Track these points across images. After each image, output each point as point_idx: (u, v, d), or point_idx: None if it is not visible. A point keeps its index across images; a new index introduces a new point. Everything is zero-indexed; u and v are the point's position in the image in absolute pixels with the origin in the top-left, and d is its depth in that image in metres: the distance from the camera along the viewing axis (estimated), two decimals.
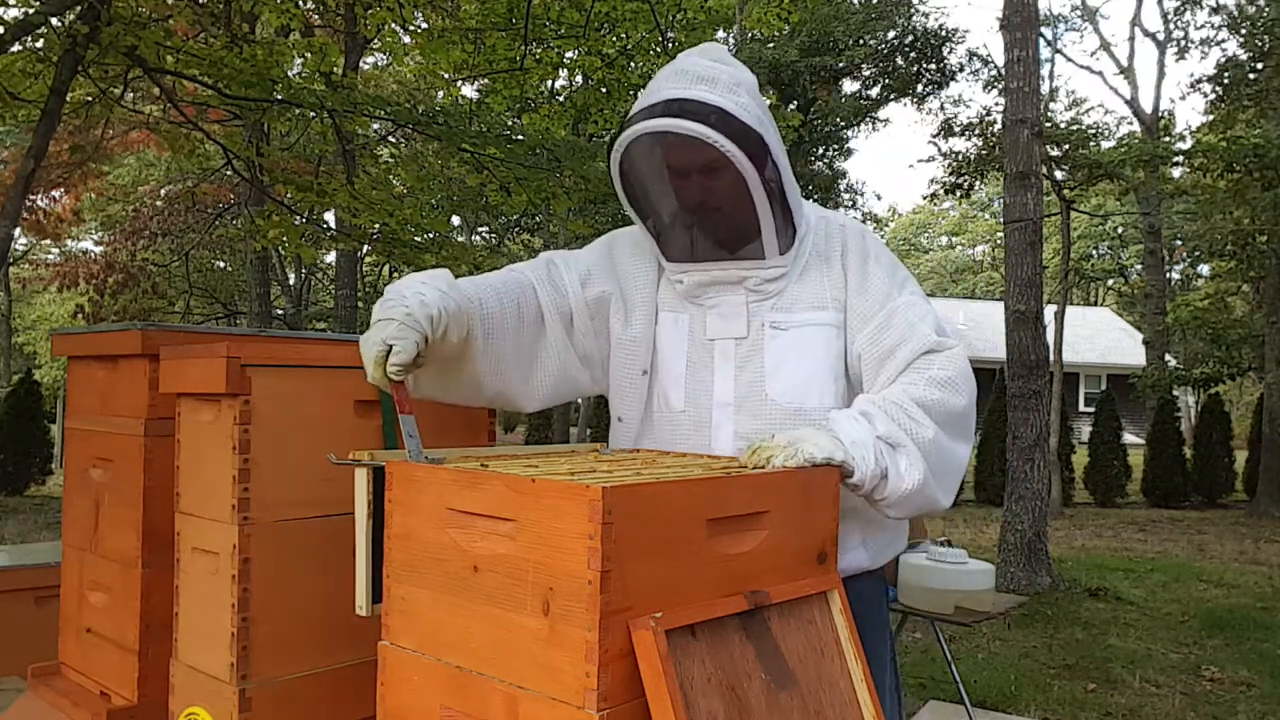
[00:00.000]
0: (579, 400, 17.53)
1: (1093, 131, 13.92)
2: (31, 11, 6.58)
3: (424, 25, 8.81)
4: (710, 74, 1.63)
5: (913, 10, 18.56)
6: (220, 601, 1.70)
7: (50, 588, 2.74)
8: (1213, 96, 14.91)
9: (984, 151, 14.33)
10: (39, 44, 6.94)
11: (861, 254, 1.73)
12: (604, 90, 9.36)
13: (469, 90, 12.50)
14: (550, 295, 1.75)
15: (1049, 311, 9.79)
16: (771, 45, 16.83)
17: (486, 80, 9.34)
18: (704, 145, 1.57)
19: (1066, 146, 12.58)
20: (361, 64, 14.36)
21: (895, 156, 42.75)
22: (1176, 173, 15.74)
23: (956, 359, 1.65)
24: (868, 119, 19.69)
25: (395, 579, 1.35)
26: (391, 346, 1.42)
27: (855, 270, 1.72)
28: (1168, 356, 18.07)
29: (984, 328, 26.69)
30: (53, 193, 17.19)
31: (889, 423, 1.53)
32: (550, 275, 1.78)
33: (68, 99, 6.60)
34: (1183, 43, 21.20)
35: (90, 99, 7.97)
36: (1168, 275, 27.02)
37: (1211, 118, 15.24)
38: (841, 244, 1.74)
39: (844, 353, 1.71)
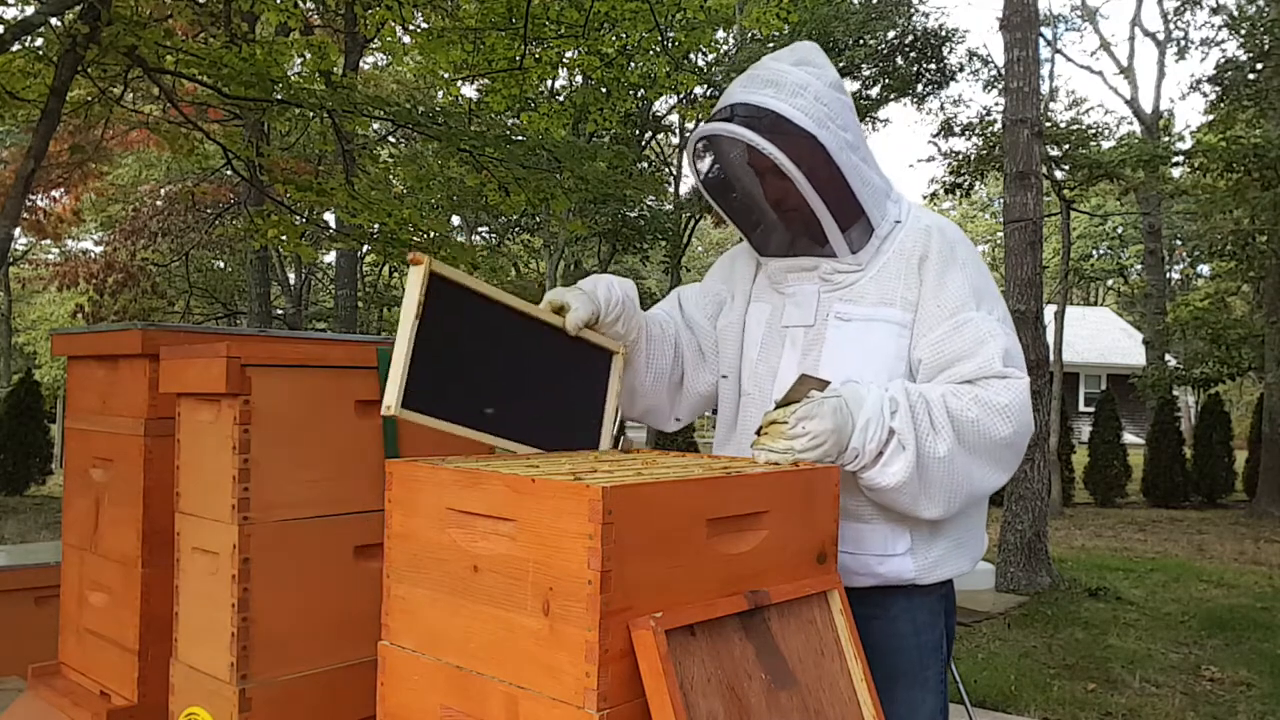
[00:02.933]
0: None
1: (1093, 131, 13.92)
2: (31, 11, 6.57)
3: (423, 25, 8.81)
4: (777, 78, 1.66)
5: (913, 10, 18.54)
6: (220, 601, 1.70)
7: (50, 588, 2.74)
8: (1212, 96, 14.90)
9: (984, 151, 14.31)
10: (39, 44, 6.94)
11: (944, 259, 1.69)
12: (604, 90, 9.35)
13: (468, 90, 12.50)
14: (686, 334, 1.91)
15: (1049, 311, 9.80)
16: (771, 45, 16.82)
17: (486, 80, 9.33)
18: (752, 149, 1.63)
19: (1066, 146, 12.58)
20: (361, 64, 14.35)
21: (895, 156, 42.72)
22: (1176, 173, 15.74)
23: (1015, 389, 1.61)
24: (868, 119, 19.67)
25: (395, 578, 1.35)
26: (566, 305, 1.65)
27: (934, 274, 1.68)
28: (1168, 356, 18.05)
29: None
30: (53, 193, 17.18)
31: (908, 421, 1.53)
32: (683, 315, 1.94)
33: (68, 99, 6.59)
34: (1183, 43, 21.19)
35: (90, 99, 7.96)
36: (1168, 275, 27.01)
37: (1211, 118, 15.23)
38: (925, 247, 1.70)
39: (906, 354, 1.69)
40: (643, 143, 18.73)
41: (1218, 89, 14.49)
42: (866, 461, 1.52)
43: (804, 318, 1.74)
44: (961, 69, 19.40)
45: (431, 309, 1.45)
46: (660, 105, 18.01)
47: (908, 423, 1.52)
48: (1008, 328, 1.68)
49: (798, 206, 1.67)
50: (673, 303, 1.98)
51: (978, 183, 15.72)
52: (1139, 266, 29.45)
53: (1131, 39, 34.75)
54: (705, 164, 1.78)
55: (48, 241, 21.21)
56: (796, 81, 1.65)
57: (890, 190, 1.76)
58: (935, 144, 16.82)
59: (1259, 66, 13.11)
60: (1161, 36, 21.59)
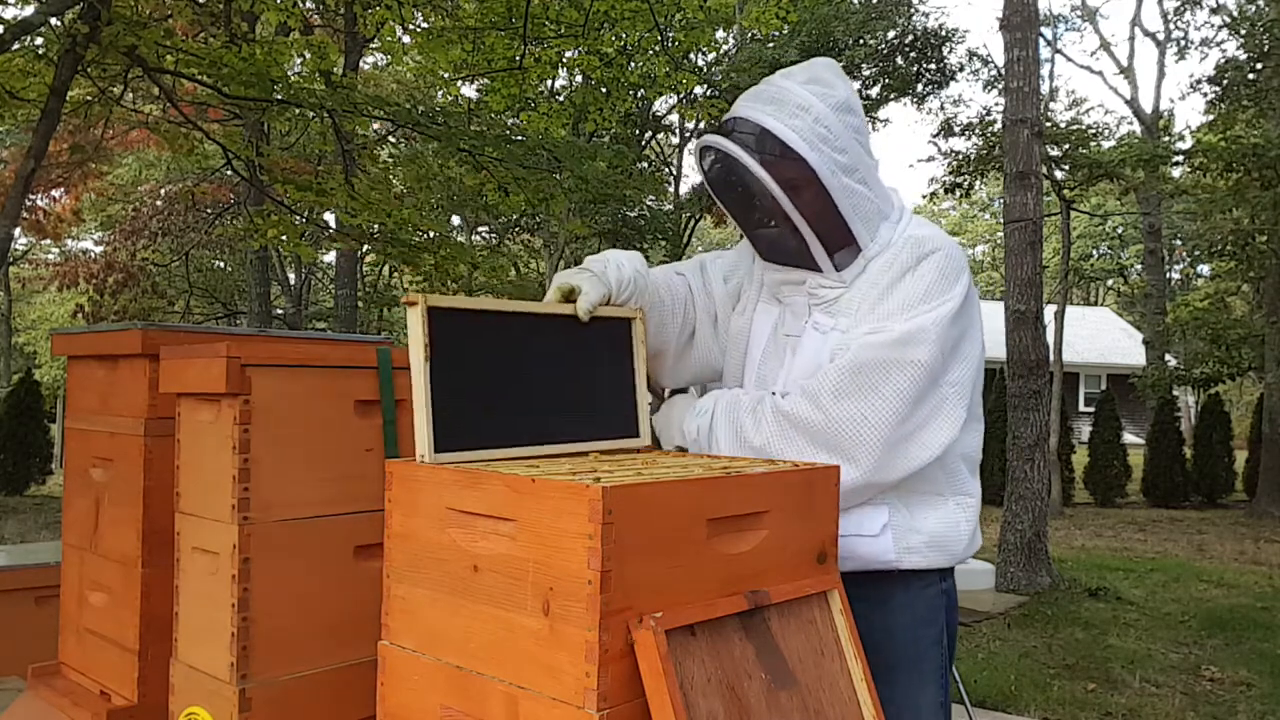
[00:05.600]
0: None
1: (1093, 131, 13.92)
2: (31, 11, 6.58)
3: (423, 25, 8.81)
4: (781, 95, 1.67)
5: (913, 10, 18.53)
6: (220, 601, 1.70)
7: (50, 588, 2.74)
8: (1212, 96, 14.90)
9: (984, 151, 14.31)
10: (39, 43, 6.94)
11: (904, 270, 1.66)
12: (604, 90, 9.36)
13: (468, 90, 12.51)
14: (703, 300, 1.94)
15: (1049, 311, 9.79)
16: (771, 45, 16.81)
17: (486, 80, 9.34)
18: (736, 163, 1.65)
19: (1066, 146, 12.58)
20: (361, 64, 14.35)
21: (895, 156, 42.80)
22: (1176, 173, 15.74)
23: (832, 371, 1.61)
24: (868, 119, 19.67)
25: (395, 578, 1.35)
26: (576, 289, 1.64)
27: (890, 285, 1.67)
28: (1168, 356, 18.04)
29: (984, 328, 26.61)
30: (53, 193, 17.19)
31: (727, 423, 1.69)
32: (703, 279, 1.96)
33: (68, 99, 6.59)
34: (1183, 43, 21.22)
35: (90, 99, 7.97)
36: (1168, 275, 27.03)
37: (1211, 118, 15.23)
38: (904, 267, 1.67)
39: None
40: (643, 143, 18.72)
41: (1218, 89, 14.48)
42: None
43: (797, 328, 1.78)
44: (961, 69, 19.40)
45: (439, 344, 1.43)
46: (660, 105, 18.00)
47: (727, 424, 1.72)
48: (924, 337, 1.61)
49: (786, 222, 1.68)
50: (694, 268, 1.98)
51: (978, 183, 15.72)
52: (1139, 266, 29.46)
53: (1131, 39, 34.80)
54: (707, 172, 1.80)
55: (48, 241, 21.22)
56: (798, 102, 1.65)
57: (890, 213, 1.75)
58: (935, 144, 16.82)
59: (1259, 66, 13.11)
60: (1161, 36, 21.61)
